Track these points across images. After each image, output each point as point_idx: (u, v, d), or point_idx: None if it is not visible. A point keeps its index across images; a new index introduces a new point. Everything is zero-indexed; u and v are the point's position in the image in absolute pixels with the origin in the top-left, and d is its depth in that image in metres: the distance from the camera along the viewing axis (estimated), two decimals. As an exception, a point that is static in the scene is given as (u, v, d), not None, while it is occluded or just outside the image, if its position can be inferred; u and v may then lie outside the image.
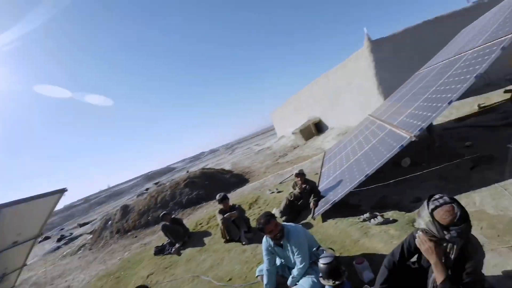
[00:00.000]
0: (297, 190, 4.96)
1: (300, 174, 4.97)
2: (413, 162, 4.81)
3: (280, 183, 7.90)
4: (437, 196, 1.56)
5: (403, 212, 3.48)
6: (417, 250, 1.79)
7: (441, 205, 1.51)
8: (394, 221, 3.29)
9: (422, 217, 1.58)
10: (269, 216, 2.61)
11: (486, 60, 3.27)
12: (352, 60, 10.63)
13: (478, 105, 7.25)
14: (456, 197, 2.76)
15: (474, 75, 3.26)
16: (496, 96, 7.44)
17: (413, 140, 3.46)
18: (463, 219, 1.44)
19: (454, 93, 3.34)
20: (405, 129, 3.84)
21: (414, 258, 1.93)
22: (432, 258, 1.59)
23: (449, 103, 3.32)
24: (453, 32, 8.63)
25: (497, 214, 2.75)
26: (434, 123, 5.83)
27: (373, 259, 2.64)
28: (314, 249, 2.72)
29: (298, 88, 21.33)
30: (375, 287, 1.91)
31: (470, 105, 7.60)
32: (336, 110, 12.58)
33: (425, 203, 1.60)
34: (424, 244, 1.61)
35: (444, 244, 1.58)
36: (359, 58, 10.15)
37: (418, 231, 1.65)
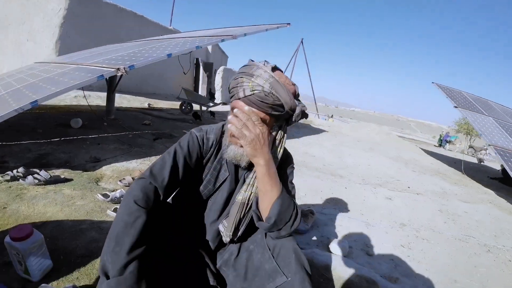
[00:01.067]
0: None
1: None
2: (86, 126, 4.12)
3: None
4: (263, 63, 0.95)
5: (80, 171, 2.45)
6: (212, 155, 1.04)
7: (276, 69, 0.95)
8: (68, 180, 2.17)
9: (258, 76, 0.90)
10: None
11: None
12: None
13: (148, 104, 8.49)
14: (150, 159, 3.14)
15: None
16: (161, 103, 9.28)
17: (121, 74, 2.60)
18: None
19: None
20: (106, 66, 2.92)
21: None
22: (262, 155, 0.88)
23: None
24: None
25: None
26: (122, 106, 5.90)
27: (46, 228, 1.43)
28: None
29: None
30: (113, 258, 0.75)
31: (141, 102, 8.62)
32: None
33: (257, 63, 0.94)
34: (253, 129, 0.86)
35: (274, 133, 0.98)
36: None
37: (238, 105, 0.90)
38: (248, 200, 0.95)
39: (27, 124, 3.73)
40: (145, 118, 5.69)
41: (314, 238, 1.97)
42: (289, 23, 5.37)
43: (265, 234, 0.99)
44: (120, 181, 2.37)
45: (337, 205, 2.78)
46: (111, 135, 3.82)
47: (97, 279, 1.19)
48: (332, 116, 23.07)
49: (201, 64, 13.47)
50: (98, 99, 7.18)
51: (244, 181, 1.02)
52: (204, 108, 7.73)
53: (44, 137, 3.19)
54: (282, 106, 0.90)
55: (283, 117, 0.95)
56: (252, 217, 0.96)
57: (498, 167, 8.54)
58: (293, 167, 1.11)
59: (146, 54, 3.23)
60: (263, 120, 0.90)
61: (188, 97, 7.56)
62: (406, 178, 4.66)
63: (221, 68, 13.54)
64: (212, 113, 7.76)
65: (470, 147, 17.08)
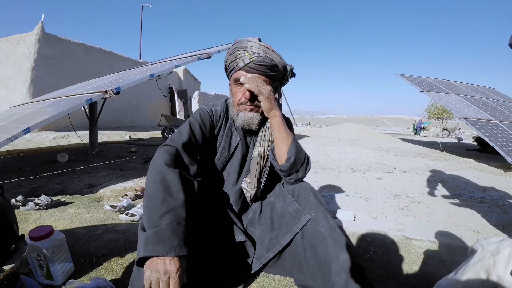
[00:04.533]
0: None
1: None
2: (73, 160, 4.11)
3: None
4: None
5: (78, 195, 2.43)
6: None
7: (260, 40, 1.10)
8: (69, 203, 2.15)
9: (252, 47, 1.03)
10: None
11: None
12: (10, 41, 7.77)
13: (129, 137, 8.44)
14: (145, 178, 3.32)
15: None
16: (141, 134, 9.32)
17: (109, 96, 2.65)
18: None
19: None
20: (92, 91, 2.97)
21: None
22: (276, 107, 1.03)
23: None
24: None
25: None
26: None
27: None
28: None
29: None
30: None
31: (121, 136, 8.56)
32: None
33: (245, 38, 1.09)
34: (266, 87, 1.00)
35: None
36: (20, 42, 7.61)
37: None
38: (264, 154, 1.06)
39: (12, 166, 3.63)
40: (130, 148, 5.67)
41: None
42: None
43: (282, 184, 1.08)
44: (122, 197, 2.37)
45: (334, 189, 2.90)
46: (101, 164, 3.79)
47: (124, 272, 1.22)
48: (310, 123, 23.71)
49: (175, 92, 13.62)
50: (78, 138, 7.07)
51: (254, 144, 1.12)
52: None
53: (32, 174, 3.13)
54: (276, 66, 1.04)
55: (278, 77, 1.08)
56: (269, 170, 1.06)
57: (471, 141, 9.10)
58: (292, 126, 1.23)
59: (128, 78, 3.31)
60: (265, 82, 1.03)
61: (169, 123, 7.63)
62: (390, 161, 4.89)
63: (196, 92, 13.77)
64: None
65: (444, 129, 17.99)
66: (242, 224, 1.13)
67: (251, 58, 1.01)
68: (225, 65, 1.11)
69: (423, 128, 18.37)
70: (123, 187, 2.78)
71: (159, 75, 3.48)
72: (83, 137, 5.10)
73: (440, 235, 1.68)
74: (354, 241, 1.50)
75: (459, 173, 3.87)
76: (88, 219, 1.71)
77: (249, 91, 1.00)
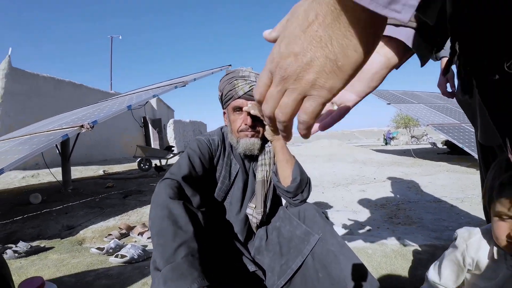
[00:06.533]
0: None
1: None
2: (46, 200, 3.81)
3: None
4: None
5: (58, 239, 2.25)
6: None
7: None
8: (49, 248, 1.98)
9: (249, 76, 1.07)
10: None
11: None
12: None
13: (103, 171, 8.05)
14: (128, 213, 3.06)
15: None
16: (116, 167, 8.91)
17: (85, 131, 2.55)
18: None
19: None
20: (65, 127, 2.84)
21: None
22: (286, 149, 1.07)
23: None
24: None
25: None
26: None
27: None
28: None
29: None
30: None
31: (95, 171, 8.21)
32: None
33: (239, 68, 1.13)
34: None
35: None
36: None
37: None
38: (267, 177, 1.06)
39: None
40: (106, 183, 5.40)
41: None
42: (230, 65, 5.86)
43: (286, 207, 1.09)
44: (106, 237, 2.23)
45: (322, 206, 2.94)
46: (77, 203, 3.56)
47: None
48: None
49: (149, 121, 13.37)
50: (48, 176, 6.60)
51: (254, 170, 1.13)
52: (163, 161, 7.58)
53: (5, 218, 2.88)
54: None
55: None
56: (273, 195, 1.07)
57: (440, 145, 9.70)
58: None
59: (104, 111, 3.23)
60: None
61: (145, 153, 7.39)
62: (369, 173, 5.07)
63: (171, 121, 13.58)
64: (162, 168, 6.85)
65: (412, 136, 19.06)
66: (250, 253, 1.11)
67: (251, 86, 1.05)
68: (221, 94, 1.12)
69: (393, 138, 19.36)
70: (105, 226, 2.62)
71: (136, 106, 3.44)
72: (54, 174, 4.81)
73: (434, 238, 1.75)
74: (357, 255, 1.52)
75: (435, 176, 4.09)
76: (75, 265, 1.58)
77: (252, 116, 1.02)
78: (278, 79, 0.26)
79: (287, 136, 0.30)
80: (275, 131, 0.30)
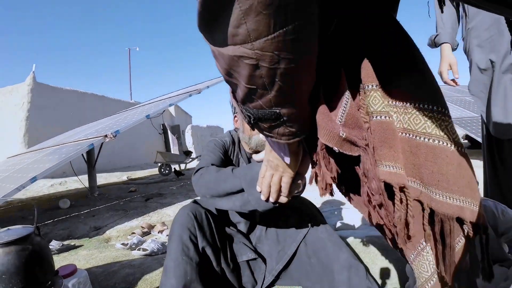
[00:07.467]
0: None
1: None
2: (74, 205, 4.15)
3: None
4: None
5: (86, 238, 2.49)
6: None
7: None
8: (79, 246, 2.21)
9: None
10: None
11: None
12: (3, 92, 8.04)
13: (127, 177, 8.38)
14: (149, 214, 3.35)
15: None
16: (138, 173, 9.31)
17: (109, 140, 2.81)
18: None
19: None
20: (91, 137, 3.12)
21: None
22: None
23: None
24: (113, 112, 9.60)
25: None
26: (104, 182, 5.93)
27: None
28: None
29: None
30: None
31: (118, 177, 8.59)
32: None
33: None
34: None
35: None
36: (13, 93, 7.85)
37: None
38: None
39: (13, 216, 3.65)
40: (129, 188, 5.72)
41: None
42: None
43: None
44: (129, 235, 2.43)
45: (333, 204, 3.01)
46: (103, 206, 3.84)
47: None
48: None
49: (168, 128, 13.85)
50: (75, 183, 7.06)
51: None
52: (182, 165, 7.86)
53: (37, 222, 3.17)
54: None
55: None
56: None
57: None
58: None
59: (125, 121, 3.49)
60: None
61: (165, 159, 7.72)
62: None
63: (189, 126, 14.02)
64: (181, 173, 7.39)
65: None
66: (251, 242, 1.24)
67: None
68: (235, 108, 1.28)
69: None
70: (129, 226, 2.84)
71: (154, 115, 3.68)
72: (81, 181, 5.18)
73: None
74: (355, 247, 1.61)
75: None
76: (102, 258, 1.78)
77: None
78: (270, 170, 0.62)
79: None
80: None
